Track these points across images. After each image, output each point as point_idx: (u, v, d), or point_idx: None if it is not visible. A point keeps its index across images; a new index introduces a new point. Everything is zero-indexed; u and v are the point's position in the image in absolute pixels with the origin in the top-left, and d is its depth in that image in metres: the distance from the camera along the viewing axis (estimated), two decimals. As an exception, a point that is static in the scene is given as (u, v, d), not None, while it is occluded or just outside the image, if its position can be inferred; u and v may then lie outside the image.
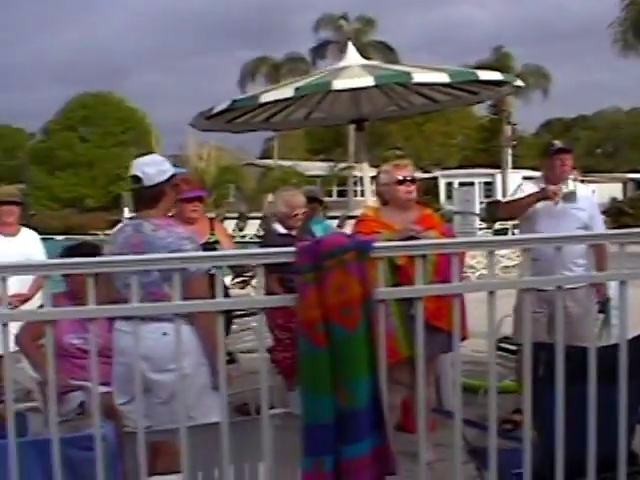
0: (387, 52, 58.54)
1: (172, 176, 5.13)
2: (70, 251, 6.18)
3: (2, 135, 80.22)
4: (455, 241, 5.00)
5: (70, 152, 70.64)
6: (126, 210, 53.92)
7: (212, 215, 9.04)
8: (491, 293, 3.63)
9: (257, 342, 7.68)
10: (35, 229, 8.64)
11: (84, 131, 72.88)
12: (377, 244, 3.62)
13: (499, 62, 51.11)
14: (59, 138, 72.16)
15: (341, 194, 61.15)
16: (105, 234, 50.42)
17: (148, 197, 5.06)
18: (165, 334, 4.54)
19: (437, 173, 58.61)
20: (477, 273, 18.19)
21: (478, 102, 11.05)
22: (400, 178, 6.38)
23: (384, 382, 3.55)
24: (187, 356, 4.21)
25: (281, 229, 7.92)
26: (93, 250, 5.91)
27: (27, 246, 8.15)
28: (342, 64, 9.05)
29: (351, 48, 9.38)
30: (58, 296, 5.72)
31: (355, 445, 3.50)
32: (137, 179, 5.04)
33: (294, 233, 7.82)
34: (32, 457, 3.59)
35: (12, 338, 7.23)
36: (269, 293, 5.95)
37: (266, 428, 3.52)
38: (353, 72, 8.41)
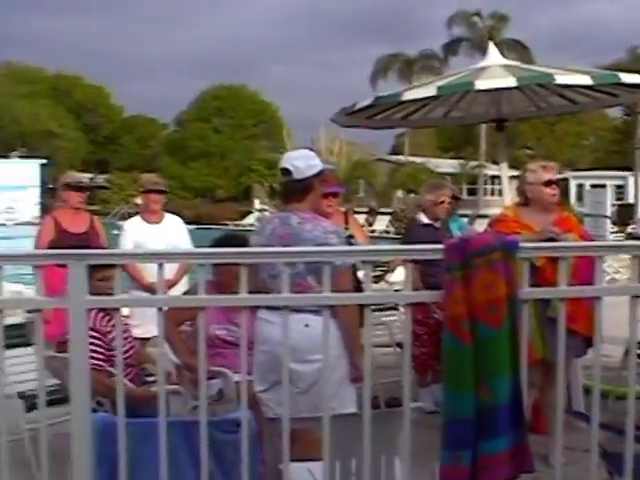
0: (521, 50, 57.69)
1: (321, 171, 5.23)
2: (219, 242, 6.33)
3: (136, 125, 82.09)
4: (600, 244, 4.96)
5: (203, 143, 71.92)
6: (256, 201, 54.67)
7: (344, 209, 9.10)
8: (635, 297, 3.61)
9: (389, 337, 7.82)
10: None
11: (217, 122, 74.12)
12: (522, 245, 3.65)
13: (636, 63, 49.85)
14: (192, 129, 73.56)
15: (471, 192, 60.68)
16: (235, 224, 51.33)
17: (297, 190, 5.16)
18: (307, 325, 4.62)
19: (568, 174, 57.52)
20: (608, 277, 17.81)
21: (617, 105, 10.88)
22: (547, 179, 6.35)
23: (525, 380, 3.58)
24: (329, 348, 4.29)
25: (425, 219, 8.03)
26: (241, 241, 6.03)
27: (172, 232, 8.40)
28: (483, 64, 8.98)
29: (492, 48, 9.32)
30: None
31: (494, 441, 3.54)
32: (287, 172, 5.15)
33: (437, 225, 7.94)
34: (178, 437, 3.75)
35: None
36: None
37: (407, 422, 3.58)
38: (495, 72, 8.35)
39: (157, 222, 8.43)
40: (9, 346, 4.47)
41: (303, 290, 4.54)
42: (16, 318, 6.65)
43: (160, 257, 3.58)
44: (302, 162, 5.17)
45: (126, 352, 5.92)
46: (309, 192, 5.16)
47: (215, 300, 3.84)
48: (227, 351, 6.11)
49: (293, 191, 5.18)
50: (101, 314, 5.94)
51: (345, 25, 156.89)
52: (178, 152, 72.60)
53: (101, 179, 63.42)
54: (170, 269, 7.68)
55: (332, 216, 7.29)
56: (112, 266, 3.38)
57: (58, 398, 5.45)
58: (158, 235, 8.23)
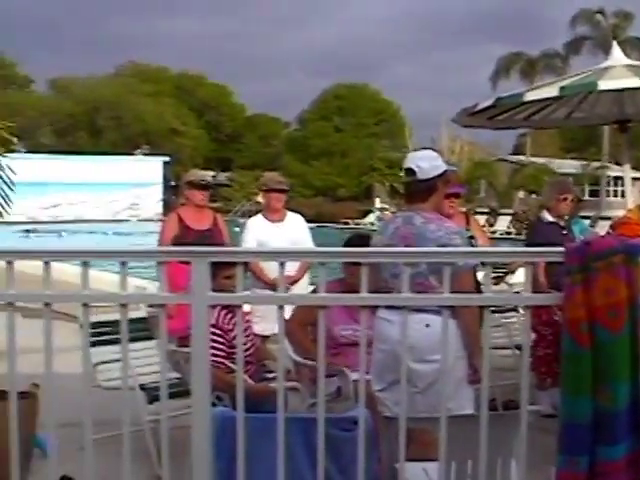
0: (646, 50, 56.22)
1: (444, 172, 5.22)
2: (349, 241, 6.40)
3: (259, 123, 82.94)
4: None
5: (324, 141, 72.24)
6: (377, 201, 54.66)
7: (464, 209, 9.06)
8: None
9: (507, 339, 7.73)
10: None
11: (339, 121, 74.37)
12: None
13: None
14: (314, 127, 73.99)
15: (593, 194, 59.52)
16: (356, 223, 51.43)
17: (421, 190, 5.16)
18: (427, 325, 4.61)
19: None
20: None
21: None
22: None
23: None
24: (448, 348, 4.27)
25: (549, 217, 7.94)
26: (365, 240, 6.04)
27: (294, 230, 8.49)
28: (606, 64, 8.83)
29: (616, 47, 9.15)
30: (332, 283, 5.93)
31: (611, 447, 3.46)
32: (411, 172, 5.16)
33: (562, 223, 7.85)
34: (296, 433, 3.78)
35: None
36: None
37: (523, 425, 3.54)
38: (618, 72, 8.20)
39: (279, 220, 8.52)
40: (132, 339, 4.59)
41: (424, 290, 4.53)
42: (139, 312, 6.79)
43: (282, 255, 3.60)
44: (426, 162, 5.17)
45: (247, 349, 6.00)
46: (433, 192, 5.16)
47: (336, 299, 3.84)
48: (349, 350, 6.13)
49: (417, 191, 5.19)
50: (224, 311, 6.03)
51: (466, 24, 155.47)
52: (299, 150, 73.14)
53: (223, 177, 64.32)
54: (292, 266, 7.77)
55: (453, 217, 7.26)
56: (235, 265, 3.42)
57: (179, 391, 5.56)
58: (280, 233, 8.32)
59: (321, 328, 3.52)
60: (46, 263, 3.36)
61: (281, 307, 3.49)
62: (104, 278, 9.62)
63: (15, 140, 5.79)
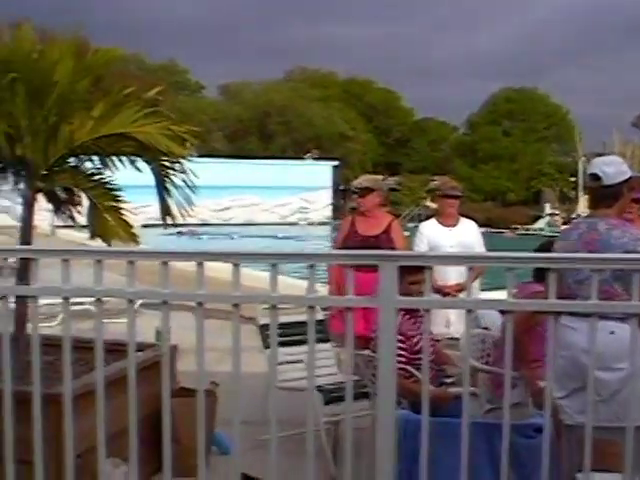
0: None
1: (630, 177, 5.12)
2: (542, 247, 6.32)
3: (427, 128, 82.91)
4: None
5: (493, 145, 71.68)
6: (547, 206, 53.70)
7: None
8: None
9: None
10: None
11: (507, 125, 73.59)
12: None
13: None
14: (482, 131, 73.47)
15: None
16: (525, 229, 50.71)
17: (606, 196, 5.07)
18: (612, 333, 4.51)
19: None
20: None
21: None
22: None
23: None
24: (636, 357, 4.16)
25: None
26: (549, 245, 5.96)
27: (467, 236, 8.45)
28: None
29: None
30: (525, 286, 5.89)
31: None
32: (596, 177, 5.08)
33: None
34: (477, 439, 3.75)
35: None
36: None
37: None
38: None
39: (452, 225, 8.49)
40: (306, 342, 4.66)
41: (609, 297, 4.43)
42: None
43: (470, 260, 3.60)
44: (612, 168, 5.08)
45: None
46: (618, 198, 5.07)
47: (522, 305, 3.79)
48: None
49: (602, 197, 5.10)
50: (406, 317, 6.05)
51: (637, 25, 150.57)
52: (468, 155, 72.79)
53: (392, 181, 64.53)
54: (458, 273, 7.76)
55: (634, 222, 7.08)
56: (422, 269, 3.43)
57: (355, 393, 5.61)
58: (453, 238, 8.31)
59: (508, 334, 3.50)
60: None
61: (470, 311, 3.48)
62: (286, 281, 9.79)
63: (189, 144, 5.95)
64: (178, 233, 35.30)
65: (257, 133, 72.14)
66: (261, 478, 4.72)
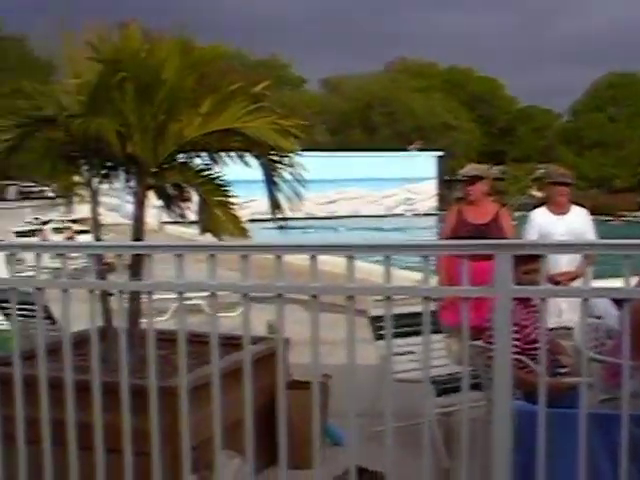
0: None
1: None
2: None
3: (531, 116, 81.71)
4: None
5: (598, 132, 70.25)
6: (656, 192, 52.32)
7: None
8: None
9: None
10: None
11: (613, 111, 72.08)
12: None
13: None
14: (587, 118, 72.09)
15: None
16: (634, 216, 49.57)
17: None
18: None
19: None
20: None
21: None
22: None
23: None
24: None
25: None
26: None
27: (577, 223, 8.32)
28: None
29: None
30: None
31: None
32: None
33: None
34: (594, 429, 3.67)
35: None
36: None
37: None
38: None
39: (563, 213, 8.37)
40: (418, 333, 4.64)
41: None
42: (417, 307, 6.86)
43: (588, 247, 3.53)
44: None
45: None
46: None
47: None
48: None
49: None
50: (520, 306, 5.96)
51: None
52: (573, 142, 71.49)
53: (496, 171, 63.80)
54: (569, 261, 7.64)
55: None
56: (536, 258, 3.38)
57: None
58: (564, 226, 8.19)
59: (626, 323, 3.42)
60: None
61: (586, 300, 3.41)
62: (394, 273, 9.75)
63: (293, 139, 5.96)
64: (279, 227, 35.44)
65: (360, 125, 72.13)
66: (376, 471, 4.70)
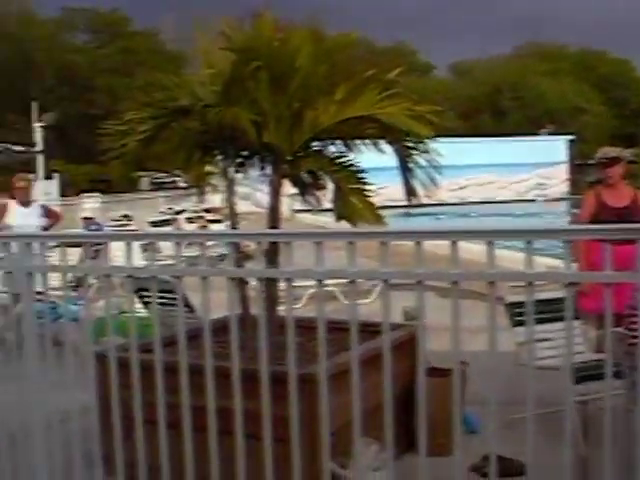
0: None
1: None
2: None
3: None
4: None
5: None
6: None
7: None
8: None
9: None
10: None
11: None
12: None
13: None
14: None
15: None
16: None
17: None
18: None
19: None
20: None
21: None
22: None
23: None
24: None
25: None
26: None
27: None
28: None
29: None
30: None
31: None
32: None
33: None
34: None
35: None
36: None
37: None
38: None
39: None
40: (555, 319, 4.53)
41: None
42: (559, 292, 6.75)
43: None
44: None
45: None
46: None
47: None
48: None
49: None
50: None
51: None
52: None
53: (628, 153, 62.25)
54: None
55: None
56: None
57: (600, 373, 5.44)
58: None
59: None
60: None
61: None
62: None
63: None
64: (406, 214, 35.37)
65: (489, 110, 71.52)
66: (515, 459, 4.64)
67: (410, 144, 5.87)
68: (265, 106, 5.72)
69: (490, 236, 3.38)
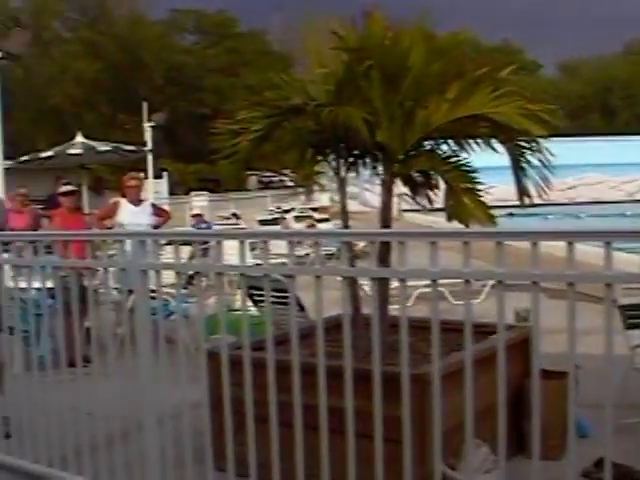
0: None
1: None
2: None
3: None
4: None
5: None
6: None
7: None
8: None
9: None
10: None
11: None
12: None
13: None
14: None
15: None
16: None
17: None
18: None
19: None
20: None
21: None
22: None
23: None
24: None
25: None
26: None
27: None
28: None
29: None
30: None
31: None
32: None
33: None
34: None
35: None
36: None
37: None
38: None
39: None
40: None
41: None
42: None
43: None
44: None
45: None
46: None
47: None
48: None
49: None
50: None
51: None
52: None
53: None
54: None
55: None
56: None
57: None
58: None
59: None
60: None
61: None
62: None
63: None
64: (509, 215, 34.93)
65: (599, 109, 70.22)
66: (629, 465, 4.55)
67: (523, 143, 5.80)
68: (377, 105, 5.72)
69: (607, 237, 3.31)
